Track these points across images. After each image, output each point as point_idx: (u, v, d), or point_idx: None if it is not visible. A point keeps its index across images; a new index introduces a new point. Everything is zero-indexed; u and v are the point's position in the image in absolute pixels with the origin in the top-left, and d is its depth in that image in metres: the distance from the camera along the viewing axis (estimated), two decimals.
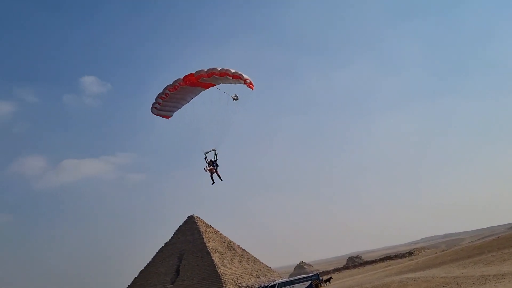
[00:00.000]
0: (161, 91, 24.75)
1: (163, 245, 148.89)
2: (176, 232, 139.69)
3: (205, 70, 22.89)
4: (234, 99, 22.64)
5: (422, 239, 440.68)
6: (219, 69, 22.78)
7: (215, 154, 25.47)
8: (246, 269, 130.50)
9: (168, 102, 25.19)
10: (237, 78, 22.80)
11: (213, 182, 25.36)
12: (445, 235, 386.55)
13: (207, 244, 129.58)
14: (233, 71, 22.97)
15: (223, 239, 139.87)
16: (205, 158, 25.45)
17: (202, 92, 25.43)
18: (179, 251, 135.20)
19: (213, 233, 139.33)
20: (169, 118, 26.52)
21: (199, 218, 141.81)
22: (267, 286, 65.81)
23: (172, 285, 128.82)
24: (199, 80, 23.25)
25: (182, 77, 23.42)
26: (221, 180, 25.56)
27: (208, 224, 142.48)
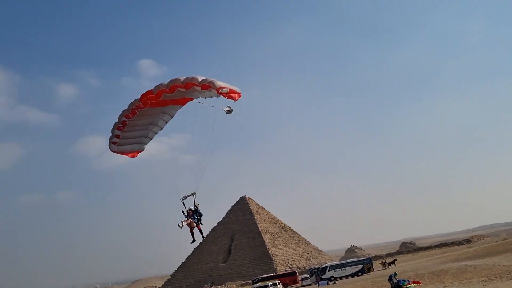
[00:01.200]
0: (117, 120, 18.49)
1: (215, 225, 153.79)
2: (228, 212, 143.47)
3: (166, 83, 17.20)
4: (227, 111, 17.29)
5: (480, 226, 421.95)
6: (182, 79, 17.08)
7: (194, 200, 19.02)
8: (296, 250, 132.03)
9: (130, 132, 18.94)
10: (206, 88, 16.91)
11: (194, 240, 19.09)
12: (506, 223, 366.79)
13: (258, 225, 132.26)
14: (201, 79, 16.99)
15: (275, 220, 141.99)
16: (183, 208, 19.04)
17: (180, 108, 19.47)
18: (231, 231, 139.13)
19: (265, 214, 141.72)
20: (138, 155, 20.46)
21: (250, 199, 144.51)
22: (318, 268, 66.22)
23: (224, 264, 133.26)
24: (162, 98, 17.49)
25: (139, 97, 17.63)
26: (203, 236, 19.51)
27: (259, 205, 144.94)
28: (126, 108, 18.04)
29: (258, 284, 64.30)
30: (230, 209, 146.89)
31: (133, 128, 18.89)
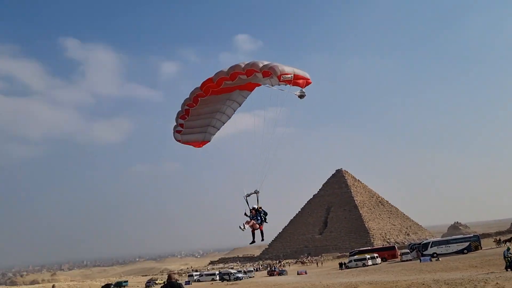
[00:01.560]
0: (180, 109, 17.79)
1: (311, 197, 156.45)
2: (324, 185, 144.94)
3: (226, 70, 15.96)
4: (300, 96, 15.78)
5: None
6: (243, 65, 15.72)
7: (258, 201, 17.60)
8: (395, 225, 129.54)
9: (194, 121, 18.10)
10: (267, 75, 15.33)
11: (253, 241, 17.85)
12: None
13: (355, 198, 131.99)
14: (261, 65, 15.47)
15: (371, 194, 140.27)
16: (246, 208, 17.72)
17: (249, 95, 18.09)
18: (327, 203, 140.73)
19: (361, 187, 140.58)
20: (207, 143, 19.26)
21: (347, 171, 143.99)
22: (419, 244, 65.09)
23: (320, 236, 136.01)
24: (224, 86, 16.39)
25: (200, 85, 16.70)
26: (263, 239, 18.08)
27: (356, 178, 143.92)
28: (188, 96, 17.15)
29: (356, 257, 65.66)
30: (326, 182, 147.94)
31: (197, 117, 18.01)
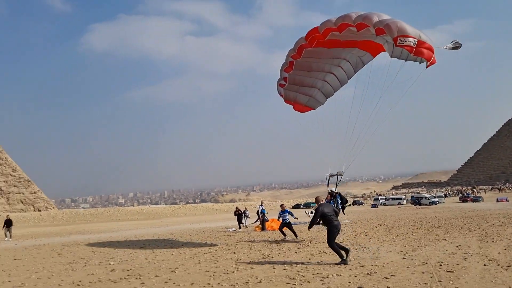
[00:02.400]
0: (284, 60, 15.16)
1: (509, 118, 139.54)
2: None
3: (334, 20, 12.86)
4: (453, 47, 12.03)
5: None
6: (354, 17, 12.32)
7: (336, 185, 15.35)
8: None
9: (298, 76, 15.31)
10: (381, 33, 11.77)
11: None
12: None
13: None
14: (376, 19, 11.75)
15: None
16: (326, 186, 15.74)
17: (367, 60, 14.66)
18: None
19: None
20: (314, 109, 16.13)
21: None
22: None
23: None
24: (329, 38, 13.45)
25: (304, 35, 13.95)
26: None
27: None
28: (292, 47, 14.67)
29: None
30: None
31: (302, 72, 15.18)
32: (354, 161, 14.23)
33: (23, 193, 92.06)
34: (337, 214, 10.23)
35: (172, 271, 9.76)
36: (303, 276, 8.39)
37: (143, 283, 8.47)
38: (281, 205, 18.22)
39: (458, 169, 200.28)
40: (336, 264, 9.59)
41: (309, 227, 10.28)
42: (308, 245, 13.71)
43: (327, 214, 9.75)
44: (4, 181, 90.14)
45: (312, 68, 14.97)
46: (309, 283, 7.82)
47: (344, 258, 9.60)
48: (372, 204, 76.41)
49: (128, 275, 9.46)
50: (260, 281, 8.09)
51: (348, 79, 15.07)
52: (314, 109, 15.84)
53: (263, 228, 22.36)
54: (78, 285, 8.69)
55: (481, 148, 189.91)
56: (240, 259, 11.19)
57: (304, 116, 16.14)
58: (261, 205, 23.13)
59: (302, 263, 9.91)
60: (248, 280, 8.26)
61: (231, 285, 7.89)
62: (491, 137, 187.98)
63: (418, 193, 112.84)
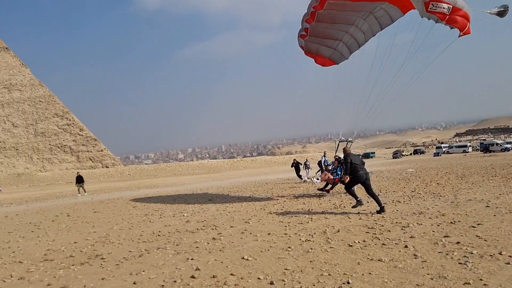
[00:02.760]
0: (306, 10, 13.61)
1: None
2: None
3: None
4: (500, 12, 10.49)
5: None
6: None
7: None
8: None
9: (322, 28, 13.91)
10: None
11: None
12: None
13: None
14: None
15: None
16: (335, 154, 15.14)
17: (396, 16, 13.03)
18: None
19: None
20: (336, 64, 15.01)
21: None
22: None
23: None
24: None
25: None
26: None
27: None
28: None
29: None
30: None
31: (326, 24, 13.82)
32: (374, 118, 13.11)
33: (91, 151, 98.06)
34: (363, 163, 10.54)
35: (245, 221, 9.90)
36: (382, 226, 8.13)
37: (220, 233, 8.64)
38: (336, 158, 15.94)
39: None
40: (377, 211, 9.75)
41: (341, 181, 10.85)
42: (379, 194, 13.36)
43: (354, 163, 10.16)
44: (73, 140, 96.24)
45: (336, 20, 13.67)
46: (390, 232, 7.55)
47: (359, 199, 10.28)
48: (434, 153, 73.85)
49: (203, 226, 9.73)
50: (338, 231, 7.94)
51: (374, 35, 13.81)
52: (337, 63, 14.81)
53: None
54: (158, 235, 9.05)
55: None
56: (311, 209, 11.13)
57: (326, 70, 15.04)
58: (324, 155, 22.82)
59: (378, 213, 9.64)
60: (325, 229, 8.15)
61: (309, 234, 7.82)
62: None
63: (484, 139, 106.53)
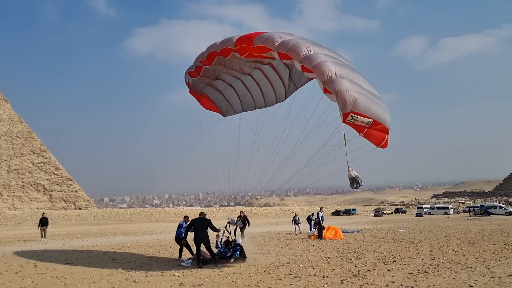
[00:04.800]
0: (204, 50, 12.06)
1: None
2: None
3: (218, 43, 11.22)
4: (352, 182, 10.46)
5: None
6: (235, 39, 10.64)
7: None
8: None
9: (213, 70, 12.73)
10: (286, 58, 9.64)
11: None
12: None
13: None
14: (280, 40, 9.69)
15: None
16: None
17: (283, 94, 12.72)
18: None
19: None
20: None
21: None
22: None
23: None
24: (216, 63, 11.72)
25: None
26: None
27: None
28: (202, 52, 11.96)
29: None
30: None
31: (220, 68, 12.52)
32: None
33: (65, 191, 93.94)
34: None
35: None
36: None
37: None
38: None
39: (505, 178, 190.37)
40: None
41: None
42: (394, 261, 11.87)
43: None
44: (47, 179, 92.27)
45: (232, 67, 12.37)
46: None
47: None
48: (416, 213, 73.01)
49: None
50: None
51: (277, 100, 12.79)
52: (223, 114, 13.51)
53: (320, 237, 20.56)
54: None
55: None
56: (325, 275, 9.54)
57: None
58: (320, 211, 21.39)
59: (402, 285, 8.13)
60: None
61: None
62: None
63: (473, 202, 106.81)
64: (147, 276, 10.15)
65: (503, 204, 66.40)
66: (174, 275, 10.19)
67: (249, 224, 19.39)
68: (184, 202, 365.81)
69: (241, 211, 18.97)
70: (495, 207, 58.89)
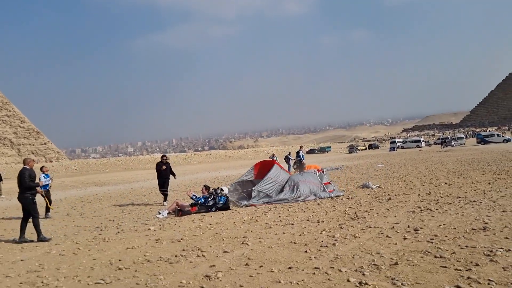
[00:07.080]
0: None
1: None
2: None
3: None
4: None
5: None
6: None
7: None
8: None
9: None
10: None
11: None
12: None
13: None
14: None
15: None
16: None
17: None
18: None
19: None
20: None
21: None
22: None
23: None
24: None
25: None
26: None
27: None
28: None
29: None
30: None
31: None
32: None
33: (33, 144, 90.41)
34: None
35: (241, 242, 7.13)
36: (439, 248, 5.71)
37: (213, 265, 5.81)
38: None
39: (472, 110, 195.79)
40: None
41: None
42: (389, 198, 11.04)
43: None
44: (13, 133, 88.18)
45: None
46: (478, 266, 5.15)
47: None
48: (390, 148, 74.25)
49: (183, 250, 6.84)
50: (396, 263, 5.39)
51: None
52: None
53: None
54: (119, 267, 6.06)
55: (496, 88, 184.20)
56: (321, 220, 8.54)
57: None
58: (300, 150, 20.50)
59: (409, 226, 7.20)
60: (373, 259, 5.55)
61: (355, 270, 5.19)
62: (507, 76, 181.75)
63: (452, 134, 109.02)
64: (118, 232, 8.94)
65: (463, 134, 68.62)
66: (149, 229, 9.01)
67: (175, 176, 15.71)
68: (158, 149, 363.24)
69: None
70: (493, 135, 59.89)
